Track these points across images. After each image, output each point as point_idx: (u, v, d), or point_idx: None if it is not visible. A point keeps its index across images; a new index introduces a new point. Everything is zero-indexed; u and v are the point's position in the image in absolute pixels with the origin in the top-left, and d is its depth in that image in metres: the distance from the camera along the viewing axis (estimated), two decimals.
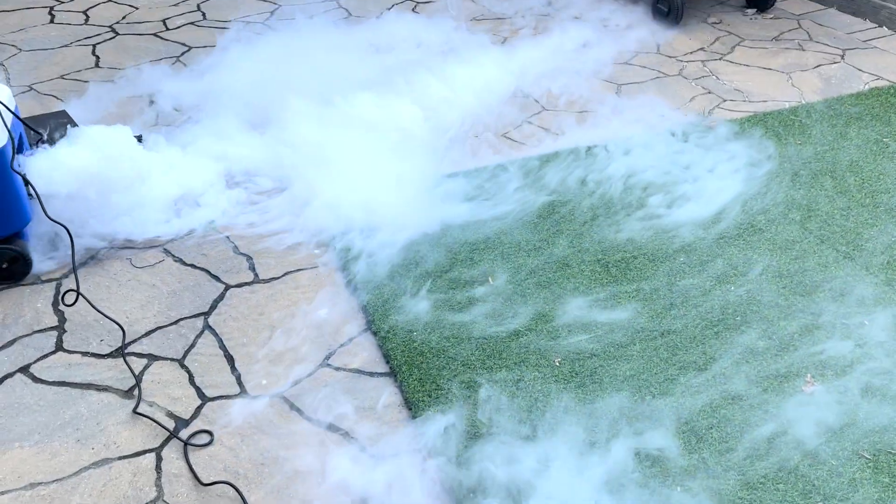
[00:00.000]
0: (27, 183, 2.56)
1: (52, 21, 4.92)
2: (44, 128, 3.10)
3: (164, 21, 4.92)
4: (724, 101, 4.02)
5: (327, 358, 2.41)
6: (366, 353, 2.43)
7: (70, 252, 2.59)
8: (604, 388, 2.27)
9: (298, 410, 2.22)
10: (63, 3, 5.22)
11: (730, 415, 2.18)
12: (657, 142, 3.55)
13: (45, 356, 2.40)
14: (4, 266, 2.59)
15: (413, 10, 5.05)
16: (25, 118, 3.13)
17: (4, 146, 2.45)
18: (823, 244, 2.88)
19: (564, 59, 4.39)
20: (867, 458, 2.06)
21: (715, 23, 5.00)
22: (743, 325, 2.50)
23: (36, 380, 2.31)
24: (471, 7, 5.01)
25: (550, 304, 2.59)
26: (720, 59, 4.51)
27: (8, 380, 2.31)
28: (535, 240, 2.90)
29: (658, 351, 2.40)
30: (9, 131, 2.47)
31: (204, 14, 5.05)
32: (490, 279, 2.69)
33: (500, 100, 3.92)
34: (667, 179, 3.27)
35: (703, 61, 4.47)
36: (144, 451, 2.09)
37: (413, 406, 2.21)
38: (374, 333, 2.48)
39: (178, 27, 4.84)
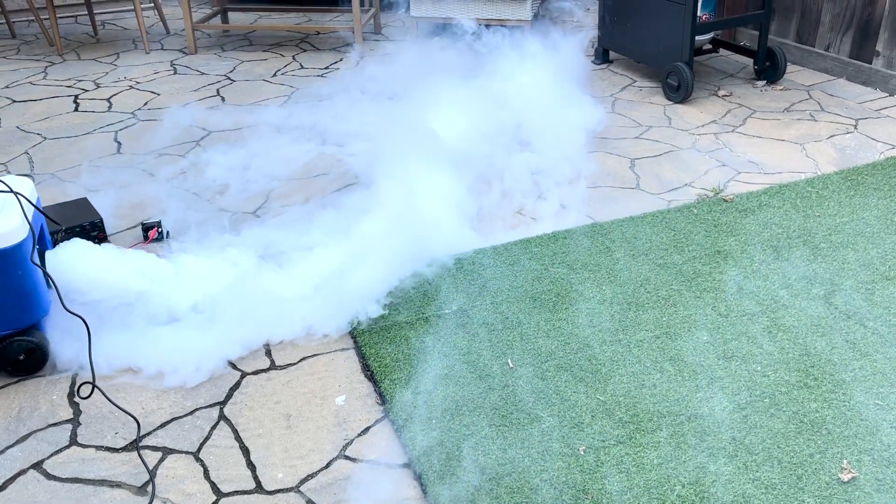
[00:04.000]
0: (46, 275, 2.57)
1: (76, 109, 5.06)
2: (65, 218, 3.15)
3: (184, 106, 5.05)
4: (739, 173, 4.02)
5: (344, 448, 2.35)
6: (384, 442, 2.37)
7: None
8: (631, 477, 2.19)
9: None
10: (87, 91, 5.39)
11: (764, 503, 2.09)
12: (672, 219, 3.54)
13: (59, 451, 2.36)
14: (21, 358, 2.58)
15: None
16: (46, 207, 3.18)
17: (24, 239, 2.47)
18: (850, 319, 2.82)
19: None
20: None
21: (725, 95, 5.05)
22: (772, 407, 2.42)
23: (49, 476, 2.27)
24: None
25: (572, 387, 2.53)
26: (732, 131, 4.54)
27: (21, 476, 2.27)
28: (553, 319, 2.86)
29: (686, 437, 2.32)
30: (30, 224, 2.50)
31: (223, 98, 5.18)
32: (510, 363, 2.65)
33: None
34: (679, 258, 3.24)
35: (715, 134, 4.50)
36: None
37: (433, 499, 2.14)
38: (392, 422, 2.43)
39: (199, 112, 4.95)
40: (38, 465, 2.31)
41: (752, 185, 3.87)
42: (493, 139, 4.15)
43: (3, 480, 2.25)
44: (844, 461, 2.22)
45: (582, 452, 2.28)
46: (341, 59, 5.97)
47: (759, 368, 2.59)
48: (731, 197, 3.71)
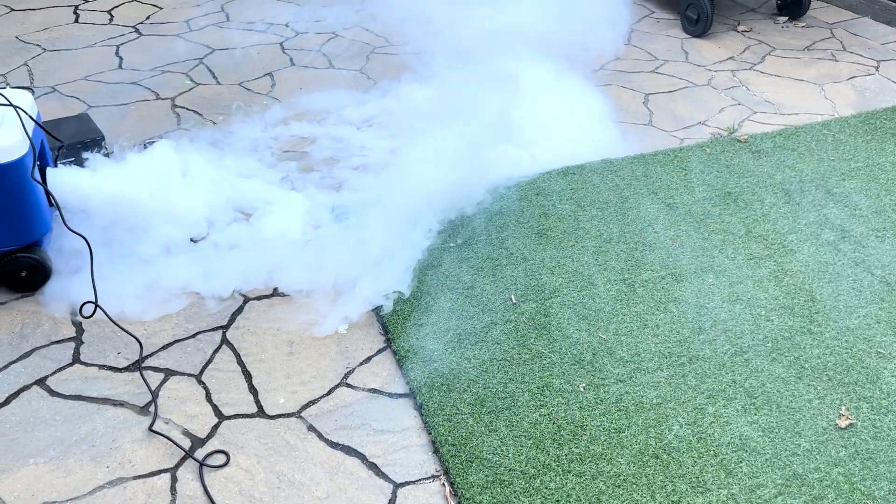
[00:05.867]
0: (48, 193, 2.53)
1: (76, 20, 4.91)
2: (65, 134, 3.08)
3: (187, 22, 4.89)
4: (755, 112, 3.92)
5: (346, 377, 2.36)
6: (385, 372, 2.38)
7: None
8: (629, 415, 2.20)
9: (316, 432, 2.18)
10: (88, 2, 5.21)
11: (760, 448, 2.11)
12: (684, 157, 3.47)
13: (62, 368, 2.37)
14: (23, 275, 2.57)
15: None
16: (45, 122, 3.11)
17: (25, 155, 2.42)
18: (858, 267, 2.79)
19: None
20: None
21: (745, 31, 4.89)
22: (774, 352, 2.42)
23: (52, 393, 2.29)
24: None
25: (574, 324, 2.52)
26: (750, 68, 4.41)
27: (24, 392, 2.29)
28: (559, 256, 2.84)
29: (686, 378, 2.33)
30: (30, 140, 2.45)
31: (227, 15, 5.02)
32: (512, 298, 2.64)
33: None
34: (689, 198, 3.19)
35: (732, 71, 4.38)
36: (160, 472, 2.06)
37: (432, 429, 2.16)
38: (394, 352, 2.43)
39: (202, 28, 4.81)
40: (41, 382, 2.32)
41: (768, 125, 3.79)
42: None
43: (6, 395, 2.27)
44: (843, 408, 2.23)
45: (582, 389, 2.29)
46: None
47: (763, 312, 2.58)
48: (746, 137, 3.63)
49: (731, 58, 4.54)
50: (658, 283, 2.71)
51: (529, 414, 2.21)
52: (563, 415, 2.20)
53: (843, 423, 2.18)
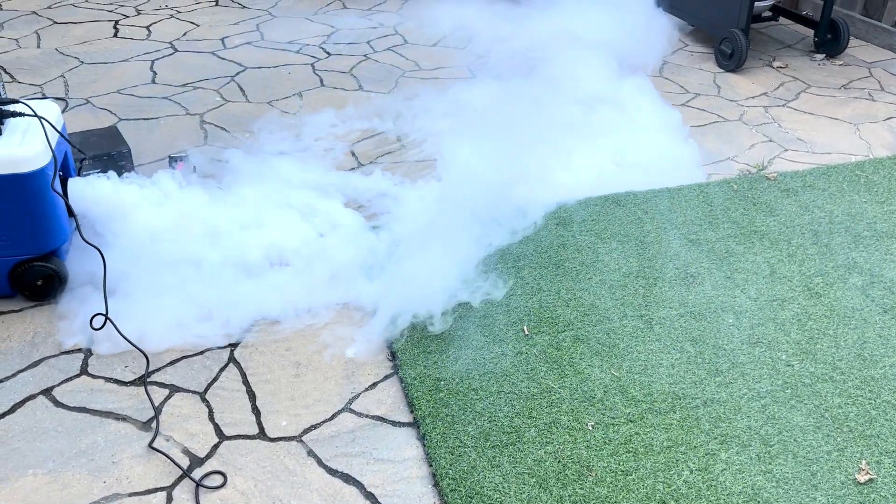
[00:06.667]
0: (68, 204, 2.56)
1: (115, 35, 5.02)
2: (92, 146, 3.12)
3: (222, 40, 4.97)
4: (786, 150, 3.84)
5: (350, 402, 2.33)
6: (390, 399, 2.34)
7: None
8: (638, 457, 2.13)
9: (316, 457, 2.14)
10: (128, 17, 5.33)
11: (773, 499, 2.02)
12: (710, 193, 3.40)
13: (69, 379, 2.37)
14: (39, 284, 2.59)
15: None
16: (75, 133, 3.16)
17: (46, 166, 2.45)
18: (886, 314, 2.69)
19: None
20: None
21: (780, 67, 4.82)
22: (793, 399, 2.33)
23: (57, 404, 2.29)
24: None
25: (587, 360, 2.46)
26: (784, 105, 4.33)
27: (29, 402, 2.29)
28: (575, 289, 2.78)
29: (699, 421, 2.25)
30: (52, 151, 2.48)
31: (262, 35, 5.09)
32: (525, 330, 2.59)
33: None
34: (713, 235, 3.12)
35: (765, 107, 4.30)
36: (156, 490, 2.03)
37: (433, 461, 2.11)
38: (401, 380, 2.39)
39: (236, 46, 4.88)
40: (47, 392, 2.32)
41: (799, 164, 3.70)
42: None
43: (11, 404, 2.27)
44: (863, 462, 2.13)
45: (590, 428, 2.22)
46: (385, 1, 5.82)
47: (783, 357, 2.49)
48: (775, 175, 3.55)
49: (765, 93, 4.47)
50: (676, 320, 2.64)
51: (535, 451, 2.15)
52: (569, 454, 2.14)
53: (862, 477, 2.08)
